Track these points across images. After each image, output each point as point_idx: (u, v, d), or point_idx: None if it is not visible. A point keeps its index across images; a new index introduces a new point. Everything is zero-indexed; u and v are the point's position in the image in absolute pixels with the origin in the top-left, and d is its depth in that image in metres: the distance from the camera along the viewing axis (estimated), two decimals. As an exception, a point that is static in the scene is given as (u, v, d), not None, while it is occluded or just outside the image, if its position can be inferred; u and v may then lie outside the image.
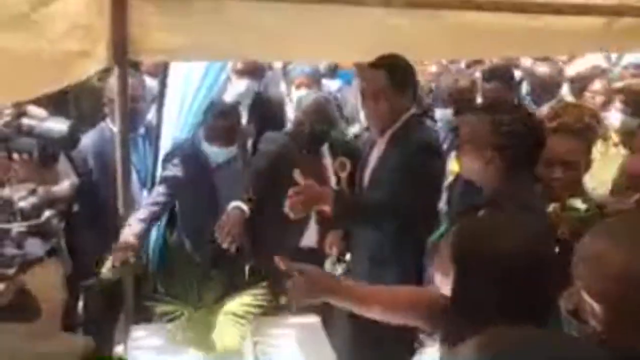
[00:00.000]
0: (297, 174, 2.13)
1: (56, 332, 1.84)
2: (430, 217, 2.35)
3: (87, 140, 2.81)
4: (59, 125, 2.09)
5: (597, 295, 0.96)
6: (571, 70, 4.04)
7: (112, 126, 2.80)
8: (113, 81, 2.60)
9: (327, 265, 2.52)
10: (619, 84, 3.48)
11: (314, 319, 2.49)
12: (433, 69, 4.32)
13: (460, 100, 3.03)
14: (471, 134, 1.81)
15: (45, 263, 2.21)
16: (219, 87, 3.16)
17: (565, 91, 3.99)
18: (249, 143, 3.21)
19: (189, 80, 2.99)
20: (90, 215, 2.73)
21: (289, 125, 3.41)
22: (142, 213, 2.56)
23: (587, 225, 1.33)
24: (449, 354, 1.18)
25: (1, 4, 1.64)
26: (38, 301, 1.67)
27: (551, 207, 1.92)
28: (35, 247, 1.98)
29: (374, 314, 1.51)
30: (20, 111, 2.09)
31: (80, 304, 2.93)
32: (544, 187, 2.06)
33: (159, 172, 2.83)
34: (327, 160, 2.83)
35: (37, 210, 2.00)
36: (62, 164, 2.54)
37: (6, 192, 1.98)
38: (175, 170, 2.67)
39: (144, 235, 2.53)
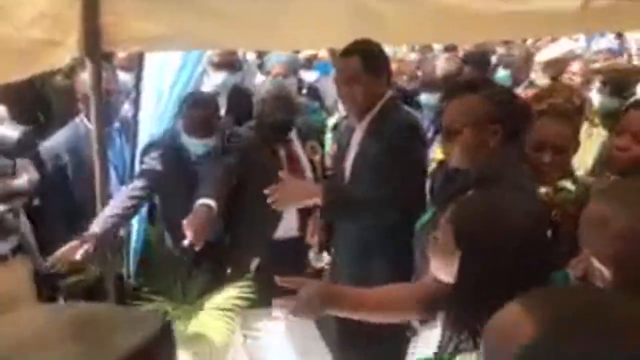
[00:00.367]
0: (283, 174, 2.12)
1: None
2: (419, 200, 2.31)
3: (61, 136, 2.75)
4: (10, 132, 2.08)
5: (605, 259, 0.97)
6: (545, 55, 4.07)
7: (86, 121, 2.73)
8: (85, 76, 2.52)
9: (311, 255, 2.47)
10: (597, 65, 3.51)
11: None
12: (414, 55, 4.32)
13: (447, 84, 3.02)
14: (465, 112, 1.77)
15: (9, 262, 2.15)
16: (196, 80, 3.10)
17: (537, 75, 4.04)
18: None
19: (165, 74, 2.93)
20: (66, 212, 2.64)
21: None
22: (115, 207, 2.47)
23: (578, 207, 1.33)
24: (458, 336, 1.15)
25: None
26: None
27: (543, 190, 1.91)
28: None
29: (373, 317, 1.54)
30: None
31: (61, 302, 2.85)
32: (533, 171, 2.06)
33: (137, 167, 2.76)
34: (298, 147, 2.78)
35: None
36: (20, 159, 2.46)
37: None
38: (154, 163, 2.61)
39: (111, 229, 2.44)
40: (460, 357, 1.16)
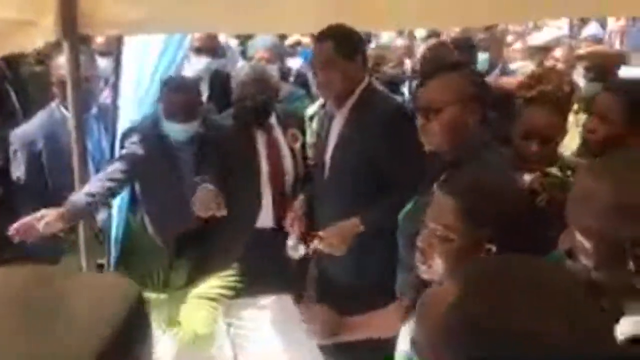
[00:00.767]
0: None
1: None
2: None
3: (35, 121, 2.68)
4: None
5: (586, 232, 1.00)
6: (531, 42, 4.07)
7: (62, 108, 2.65)
8: (61, 60, 2.45)
9: (289, 243, 2.42)
10: (580, 51, 3.51)
11: (285, 298, 2.43)
12: (400, 41, 4.30)
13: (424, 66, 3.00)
14: (448, 90, 1.74)
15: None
16: (177, 65, 3.03)
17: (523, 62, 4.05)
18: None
19: (145, 59, 2.86)
20: (41, 200, 2.57)
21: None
22: (94, 186, 2.38)
23: (565, 192, 1.33)
24: None
25: None
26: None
27: (530, 177, 1.91)
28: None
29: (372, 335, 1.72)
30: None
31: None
32: (520, 159, 2.05)
33: (117, 154, 2.69)
34: (279, 133, 2.74)
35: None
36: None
37: None
38: (134, 147, 2.54)
39: (85, 207, 2.32)
40: None
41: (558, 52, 3.48)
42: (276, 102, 2.80)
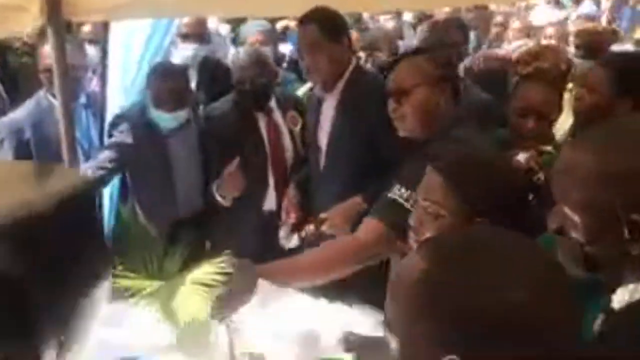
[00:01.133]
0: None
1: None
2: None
3: (23, 110, 2.65)
4: None
5: (574, 206, 0.97)
6: (525, 22, 4.06)
7: (49, 96, 2.62)
8: (48, 48, 2.41)
9: (281, 233, 2.40)
10: (572, 29, 3.49)
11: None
12: (391, 23, 4.26)
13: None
14: (416, 71, 1.74)
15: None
16: (165, 52, 2.99)
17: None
18: (201, 108, 3.06)
19: (131, 47, 2.82)
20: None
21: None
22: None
23: None
24: None
25: None
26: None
27: (525, 155, 1.89)
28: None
29: (310, 279, 1.64)
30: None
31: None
32: (515, 137, 2.04)
33: (105, 142, 2.66)
34: (278, 117, 2.72)
35: None
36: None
37: None
38: (122, 136, 2.51)
39: None
40: None
41: (550, 30, 3.46)
42: (275, 85, 2.77)
